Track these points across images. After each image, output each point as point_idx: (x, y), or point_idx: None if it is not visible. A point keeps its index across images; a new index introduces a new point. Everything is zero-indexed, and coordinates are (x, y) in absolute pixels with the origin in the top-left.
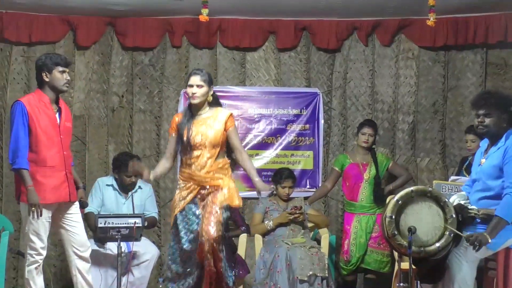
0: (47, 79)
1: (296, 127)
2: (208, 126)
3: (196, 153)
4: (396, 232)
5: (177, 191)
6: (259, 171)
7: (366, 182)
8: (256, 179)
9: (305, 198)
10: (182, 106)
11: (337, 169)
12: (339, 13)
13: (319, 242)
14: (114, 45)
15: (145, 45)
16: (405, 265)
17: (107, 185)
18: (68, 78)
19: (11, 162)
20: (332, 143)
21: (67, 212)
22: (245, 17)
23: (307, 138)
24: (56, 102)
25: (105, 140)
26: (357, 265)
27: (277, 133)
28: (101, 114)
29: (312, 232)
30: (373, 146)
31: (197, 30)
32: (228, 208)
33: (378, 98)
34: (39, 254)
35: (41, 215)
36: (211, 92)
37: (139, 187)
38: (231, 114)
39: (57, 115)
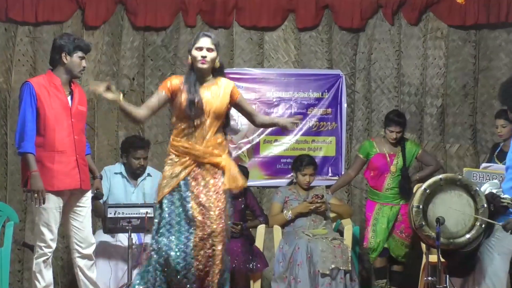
0: (65, 61)
1: (317, 112)
2: (213, 94)
3: (197, 121)
4: (423, 223)
5: (168, 168)
6: (278, 158)
7: (392, 174)
8: (278, 119)
9: (327, 187)
10: None
11: (362, 156)
12: None
13: (341, 234)
14: (125, 24)
15: (157, 24)
16: (433, 257)
17: (115, 173)
18: (85, 65)
19: (17, 146)
20: (356, 128)
21: (77, 203)
22: None
23: (329, 123)
24: (69, 85)
25: (114, 126)
26: (381, 250)
27: None
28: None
29: (335, 223)
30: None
31: (212, 9)
32: (230, 192)
33: (404, 80)
34: (49, 246)
35: (43, 203)
36: (218, 59)
37: (148, 175)
38: (234, 84)
39: (69, 98)
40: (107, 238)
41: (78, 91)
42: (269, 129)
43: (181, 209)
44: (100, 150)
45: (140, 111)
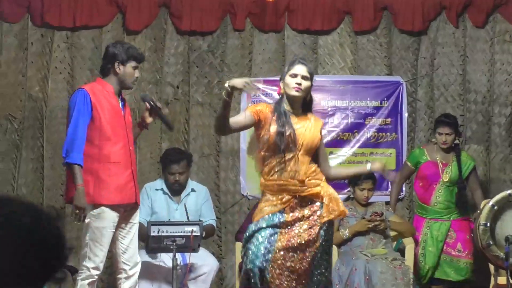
0: (118, 71)
1: (376, 121)
2: (305, 127)
3: (288, 156)
4: (491, 242)
5: (264, 203)
6: None
7: (443, 185)
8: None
9: (387, 203)
10: (245, 98)
11: (410, 164)
12: None
13: (403, 254)
14: (168, 29)
15: (203, 28)
16: (502, 279)
17: (156, 189)
18: (138, 75)
19: (64, 155)
20: (418, 139)
21: (128, 220)
22: None
23: (388, 134)
24: (119, 94)
25: (158, 138)
26: (430, 277)
27: (354, 128)
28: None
29: (395, 242)
30: (457, 141)
31: (262, 11)
32: (332, 223)
33: (470, 87)
34: (97, 268)
35: (83, 220)
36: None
37: (192, 190)
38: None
39: (120, 105)
40: (148, 258)
41: (125, 101)
42: (324, 141)
43: (268, 234)
44: (142, 164)
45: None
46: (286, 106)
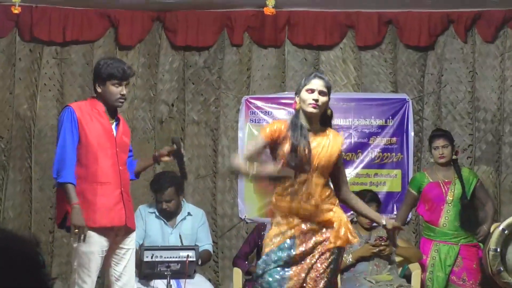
0: (99, 90)
1: (380, 141)
2: (321, 145)
3: (302, 177)
4: (502, 268)
5: (272, 227)
6: None
7: (450, 205)
8: (379, 216)
9: None
10: (243, 117)
11: (412, 191)
12: (432, 3)
13: (409, 280)
14: (163, 44)
15: (199, 43)
16: None
17: (150, 212)
18: (124, 92)
19: (55, 176)
20: (424, 160)
21: (121, 245)
22: (318, 9)
23: (393, 154)
24: (113, 113)
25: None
26: None
27: (357, 148)
28: (147, 126)
29: (401, 268)
30: (454, 157)
31: (261, 25)
32: (341, 252)
33: (479, 105)
34: None
35: (83, 240)
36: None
37: (189, 214)
38: (343, 139)
39: (113, 126)
40: (141, 285)
41: (121, 121)
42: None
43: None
44: (134, 186)
45: (244, 161)
46: (303, 121)
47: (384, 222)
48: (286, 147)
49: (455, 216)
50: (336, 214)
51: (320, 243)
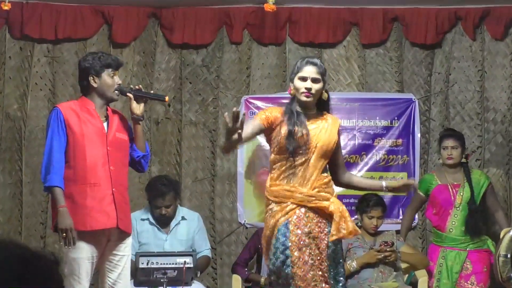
0: (95, 85)
1: (385, 143)
2: (320, 128)
3: (299, 159)
4: None
5: (268, 218)
6: (339, 198)
7: (458, 209)
8: (382, 182)
9: (397, 232)
10: (243, 108)
11: (421, 193)
12: None
13: (415, 287)
14: (159, 41)
15: (197, 41)
16: None
17: (142, 219)
18: (120, 82)
19: (43, 180)
20: (431, 162)
21: (114, 251)
22: (321, 5)
23: (399, 156)
24: (106, 110)
25: None
26: None
27: (362, 150)
28: (143, 127)
29: (407, 275)
30: (464, 160)
31: (261, 22)
32: (341, 242)
33: (489, 105)
34: None
35: (73, 244)
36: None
37: (183, 218)
38: (340, 123)
39: (105, 124)
40: None
41: (117, 117)
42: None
43: (281, 259)
44: (130, 190)
45: None
46: (298, 107)
47: (384, 185)
48: (284, 132)
49: (462, 221)
50: (335, 204)
51: (317, 235)
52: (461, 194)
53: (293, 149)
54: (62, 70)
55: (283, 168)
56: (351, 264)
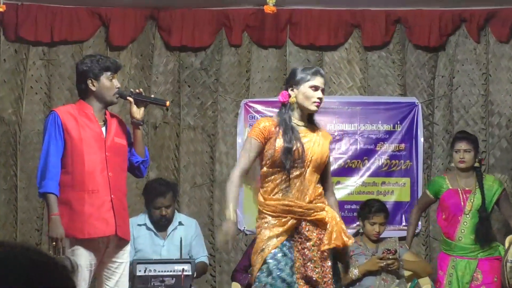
0: (93, 88)
1: (388, 147)
2: (313, 141)
3: (294, 172)
4: None
5: (264, 231)
6: (341, 204)
7: (467, 216)
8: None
9: (400, 239)
10: (242, 121)
11: (429, 193)
12: (443, 0)
13: None
14: (157, 44)
15: (195, 44)
16: None
17: (139, 225)
18: (119, 85)
19: (38, 185)
20: (435, 167)
21: (113, 258)
22: (322, 7)
23: (402, 161)
24: (104, 114)
25: None
26: None
27: (363, 155)
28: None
29: (410, 283)
30: (477, 165)
31: (261, 24)
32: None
33: (494, 109)
34: None
35: (63, 253)
36: None
37: (180, 223)
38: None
39: (103, 128)
40: None
41: (116, 121)
42: (331, 169)
43: (287, 274)
44: (127, 196)
45: (239, 181)
46: (294, 117)
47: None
48: (279, 146)
49: (472, 229)
50: (329, 213)
51: (317, 245)
52: (472, 200)
53: (290, 166)
54: (58, 73)
55: (278, 181)
56: (353, 272)
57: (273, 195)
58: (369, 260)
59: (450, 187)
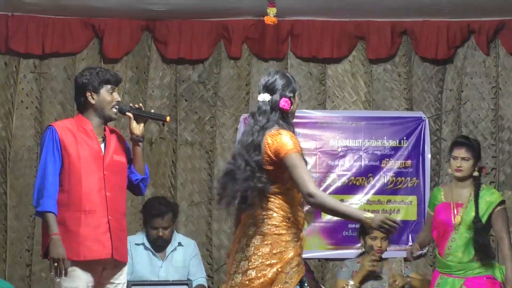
0: (93, 101)
1: (394, 164)
2: None
3: None
4: None
5: (294, 245)
6: (344, 224)
7: (456, 231)
8: None
9: (406, 260)
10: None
11: (430, 211)
12: (450, 11)
13: None
14: (153, 56)
15: (193, 56)
16: None
17: (137, 244)
18: (119, 99)
19: (35, 204)
20: (443, 185)
21: (110, 280)
22: (324, 18)
23: (408, 178)
24: (103, 130)
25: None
26: None
27: (368, 172)
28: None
29: None
30: (476, 174)
31: (261, 36)
32: None
33: (504, 124)
34: None
35: (65, 275)
36: None
37: (179, 244)
38: None
39: (102, 145)
40: None
41: (115, 138)
42: (334, 187)
43: None
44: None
45: None
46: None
47: None
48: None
49: (461, 245)
50: None
51: None
52: (462, 213)
53: None
54: (49, 87)
55: (298, 194)
56: (349, 284)
57: (295, 211)
58: (360, 268)
59: (444, 200)
